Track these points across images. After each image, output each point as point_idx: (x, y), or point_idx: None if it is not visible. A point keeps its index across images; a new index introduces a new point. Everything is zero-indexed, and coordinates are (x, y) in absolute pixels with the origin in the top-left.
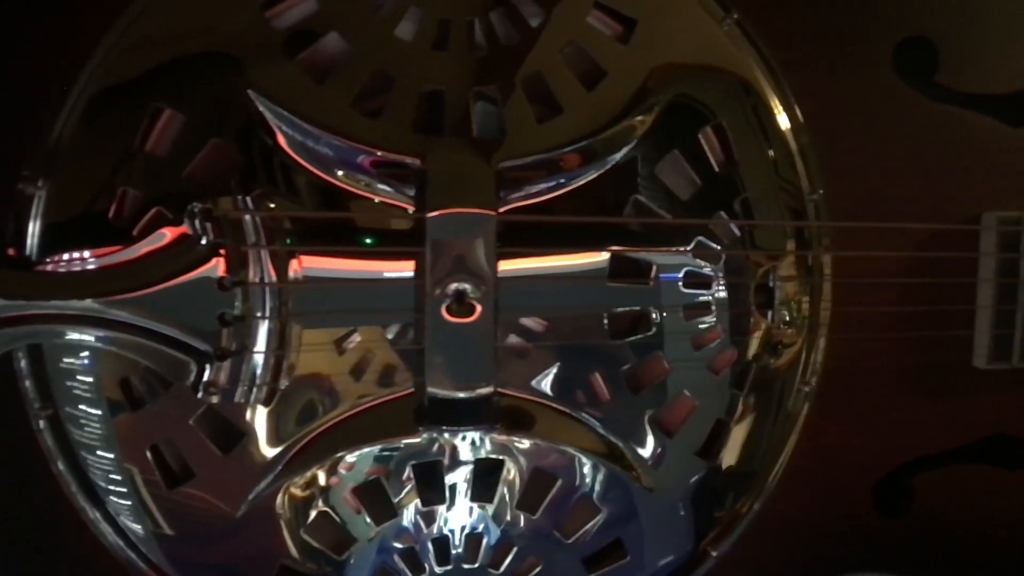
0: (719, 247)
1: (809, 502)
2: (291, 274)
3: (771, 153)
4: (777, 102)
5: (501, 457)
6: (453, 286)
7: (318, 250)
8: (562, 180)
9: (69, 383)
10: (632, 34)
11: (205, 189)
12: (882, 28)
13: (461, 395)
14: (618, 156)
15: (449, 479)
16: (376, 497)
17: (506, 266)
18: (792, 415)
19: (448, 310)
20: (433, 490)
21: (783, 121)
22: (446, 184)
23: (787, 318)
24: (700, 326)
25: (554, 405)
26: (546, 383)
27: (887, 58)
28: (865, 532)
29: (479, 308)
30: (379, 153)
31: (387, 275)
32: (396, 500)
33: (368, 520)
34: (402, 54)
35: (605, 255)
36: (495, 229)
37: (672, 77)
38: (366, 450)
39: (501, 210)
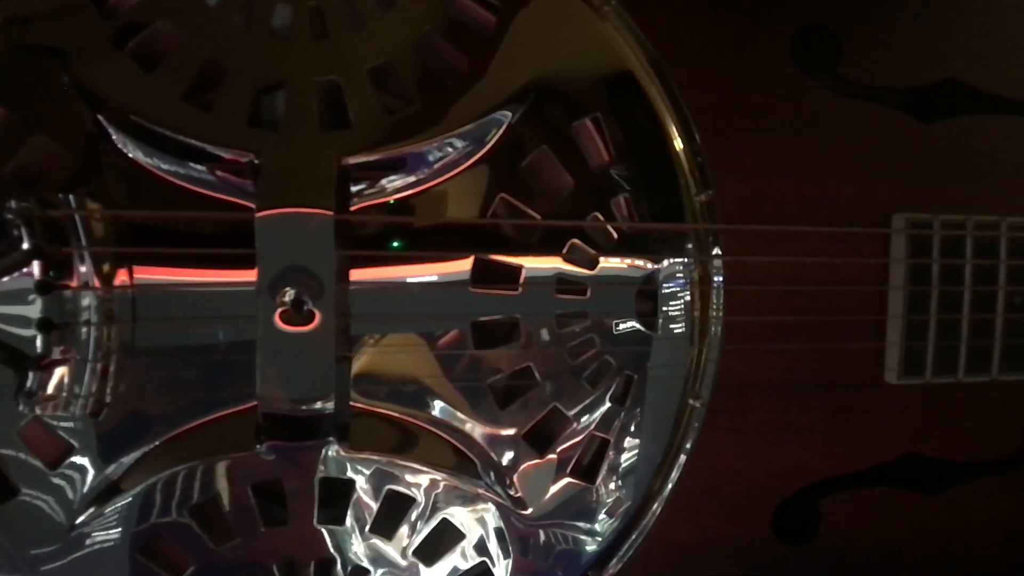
0: (595, 251)
1: (700, 526)
2: (122, 279)
3: (653, 150)
4: (661, 95)
5: (350, 477)
6: (291, 293)
7: (144, 253)
8: (419, 178)
9: None
10: (498, 21)
11: (27, 188)
12: (779, 16)
13: (297, 410)
14: (480, 152)
15: (295, 499)
16: (215, 518)
17: (362, 272)
18: (681, 431)
19: (284, 318)
20: (275, 511)
21: (667, 116)
22: (280, 181)
23: (673, 327)
24: (575, 335)
25: (413, 420)
26: (404, 396)
27: (785, 49)
28: (764, 560)
29: (319, 316)
30: (209, 148)
31: (223, 281)
32: (236, 521)
33: (208, 542)
34: (238, 42)
35: (468, 260)
36: (333, 230)
37: (541, 67)
38: (203, 467)
39: (354, 208)
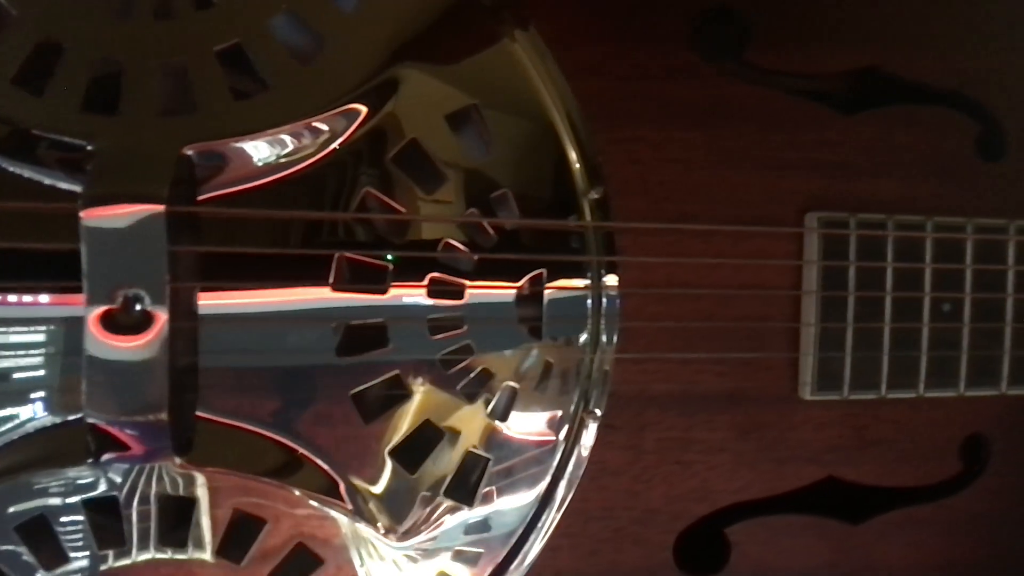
0: (472, 251)
1: (594, 555)
2: None
3: (538, 141)
4: (546, 81)
5: (192, 495)
6: (121, 295)
7: None
8: (271, 168)
9: None
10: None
11: None
12: None
13: (125, 422)
14: (342, 141)
15: (132, 519)
16: (44, 538)
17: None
18: (571, 449)
19: (113, 321)
20: (110, 532)
21: (554, 104)
22: (112, 170)
23: (561, 335)
24: (449, 342)
25: (265, 433)
26: (257, 407)
27: (686, 32)
28: None
29: (155, 320)
30: (34, 133)
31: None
32: (67, 542)
33: (35, 566)
34: (76, 21)
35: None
36: (165, 225)
37: (411, 49)
38: (29, 481)
39: (204, 197)
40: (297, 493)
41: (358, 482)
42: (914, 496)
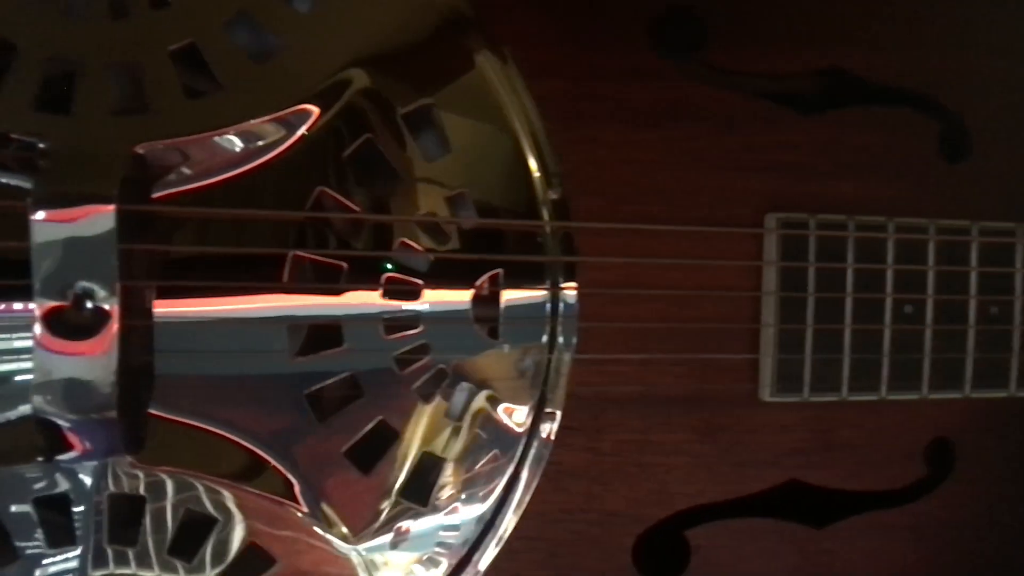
0: (427, 250)
1: (553, 557)
2: None
3: (496, 142)
4: (503, 82)
5: (142, 494)
6: (71, 293)
7: None
8: (225, 167)
9: None
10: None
11: None
12: None
13: (74, 420)
14: (295, 139)
15: (82, 516)
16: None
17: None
18: (530, 451)
19: (62, 321)
20: (60, 530)
21: (512, 105)
22: (62, 170)
23: (519, 335)
24: (405, 343)
25: (219, 432)
26: (210, 405)
27: (643, 32)
28: None
29: (106, 319)
30: None
31: None
32: (19, 543)
33: None
34: (29, 20)
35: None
36: (114, 223)
37: (366, 49)
38: None
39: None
40: (249, 493)
41: (313, 483)
42: (878, 500)
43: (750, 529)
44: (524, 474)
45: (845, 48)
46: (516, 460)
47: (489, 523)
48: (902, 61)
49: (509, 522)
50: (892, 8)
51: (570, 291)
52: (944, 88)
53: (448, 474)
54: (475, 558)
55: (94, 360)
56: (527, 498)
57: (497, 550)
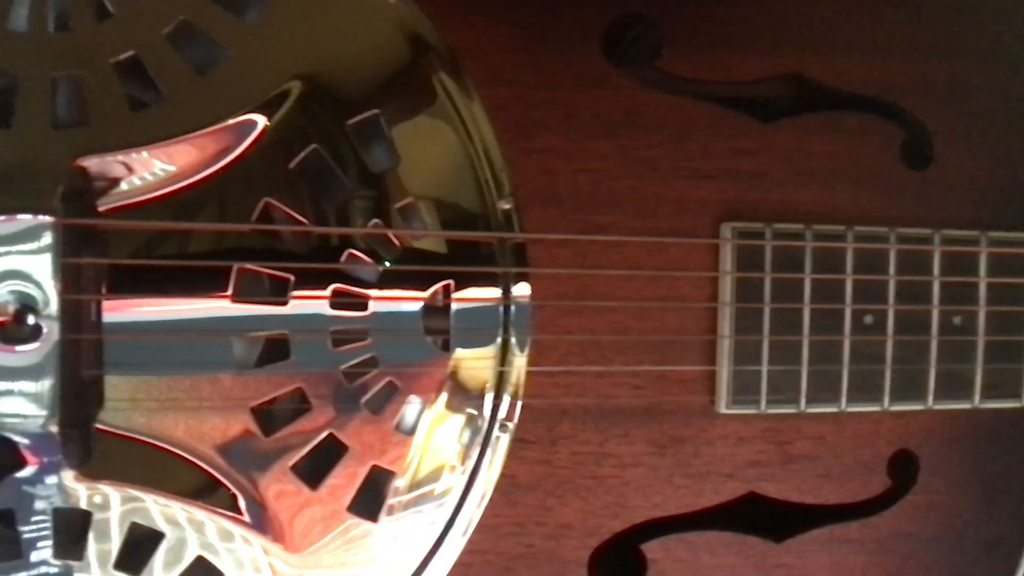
0: (376, 261)
1: (507, 572)
2: None
3: (443, 150)
4: (454, 91)
5: (87, 508)
6: (12, 306)
7: None
8: (168, 180)
9: None
10: (260, 7)
11: None
12: (590, 3)
13: (16, 433)
14: (241, 151)
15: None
16: None
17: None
18: (484, 463)
19: (4, 334)
20: (6, 544)
21: (463, 113)
22: (3, 184)
23: (470, 346)
24: (353, 354)
25: (164, 446)
26: (156, 419)
27: (596, 40)
28: None
29: (45, 332)
30: None
31: None
32: None
33: None
34: None
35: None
36: (53, 236)
37: (314, 60)
38: None
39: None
40: (195, 508)
41: (259, 497)
42: (839, 514)
43: (707, 543)
44: (477, 487)
45: (806, 54)
46: (469, 473)
47: (441, 537)
48: (864, 67)
49: (462, 536)
50: (853, 14)
51: (522, 299)
52: (907, 94)
53: (399, 488)
54: (427, 573)
55: (33, 371)
56: (481, 511)
57: (450, 564)
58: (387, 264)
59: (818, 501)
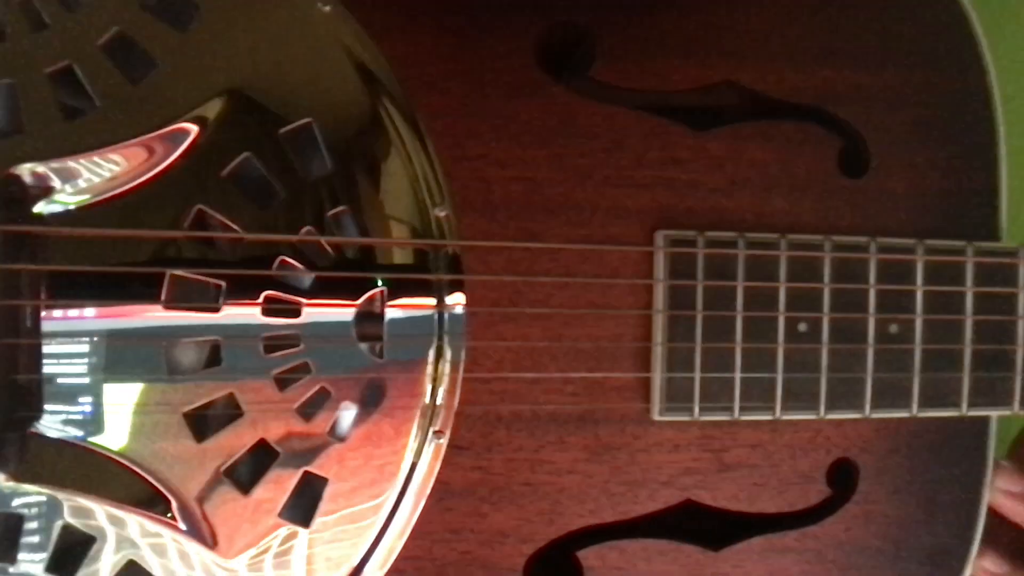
0: (309, 268)
1: None
2: None
3: (377, 158)
4: (388, 99)
5: (18, 512)
6: None
7: None
8: (101, 188)
9: None
10: (194, 18)
11: None
12: (523, 12)
13: None
14: (173, 158)
15: None
16: None
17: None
18: (416, 470)
19: None
20: None
21: (396, 121)
22: None
23: (404, 353)
24: (285, 360)
25: (96, 450)
26: (88, 422)
27: (530, 49)
28: None
29: None
30: None
31: None
32: None
33: None
34: None
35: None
36: None
37: (246, 68)
38: None
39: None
40: (125, 512)
41: (192, 502)
42: (777, 523)
43: (643, 550)
44: (411, 493)
45: (740, 63)
46: (403, 479)
47: (375, 543)
48: (799, 76)
49: (395, 542)
50: (788, 23)
51: (457, 306)
52: (842, 103)
53: (332, 494)
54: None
55: None
56: (414, 518)
57: (384, 571)
58: (320, 271)
59: (755, 509)
